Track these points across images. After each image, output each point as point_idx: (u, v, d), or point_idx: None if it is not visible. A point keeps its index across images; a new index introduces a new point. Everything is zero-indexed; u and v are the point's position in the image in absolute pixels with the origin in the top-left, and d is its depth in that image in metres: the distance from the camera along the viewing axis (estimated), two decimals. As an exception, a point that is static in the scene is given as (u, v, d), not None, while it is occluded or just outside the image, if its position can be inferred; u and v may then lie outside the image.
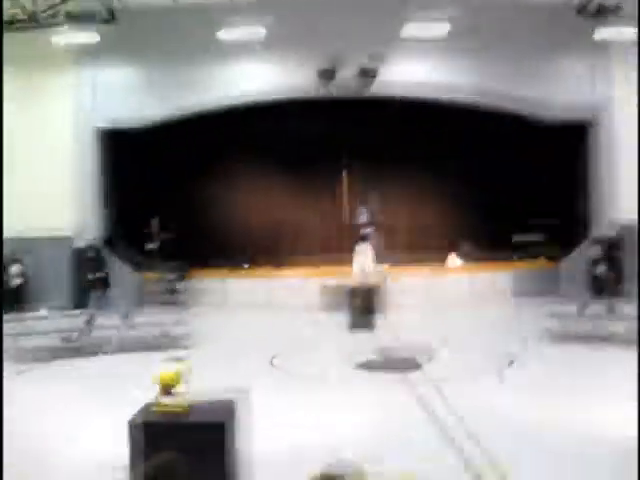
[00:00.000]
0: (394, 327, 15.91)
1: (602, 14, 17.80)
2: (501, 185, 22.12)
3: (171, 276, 19.86)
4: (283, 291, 19.84)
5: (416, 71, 20.07)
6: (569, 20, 18.77)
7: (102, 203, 19.94)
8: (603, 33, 18.84)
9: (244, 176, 22.61)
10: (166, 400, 6.21)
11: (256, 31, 18.26)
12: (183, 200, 21.72)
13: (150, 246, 20.81)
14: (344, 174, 22.73)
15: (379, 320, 16.03)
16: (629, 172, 19.97)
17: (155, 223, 20.79)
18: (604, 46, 19.81)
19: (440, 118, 21.11)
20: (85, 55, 19.03)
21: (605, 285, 18.98)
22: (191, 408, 6.21)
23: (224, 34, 18.26)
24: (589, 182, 20.91)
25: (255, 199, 22.65)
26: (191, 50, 19.31)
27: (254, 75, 19.83)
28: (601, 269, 19.46)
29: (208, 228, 21.81)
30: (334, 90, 19.50)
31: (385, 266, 20.03)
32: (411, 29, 18.65)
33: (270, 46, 18.95)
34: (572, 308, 14.71)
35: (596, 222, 20.64)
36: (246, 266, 21.15)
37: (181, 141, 20.96)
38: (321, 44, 19.13)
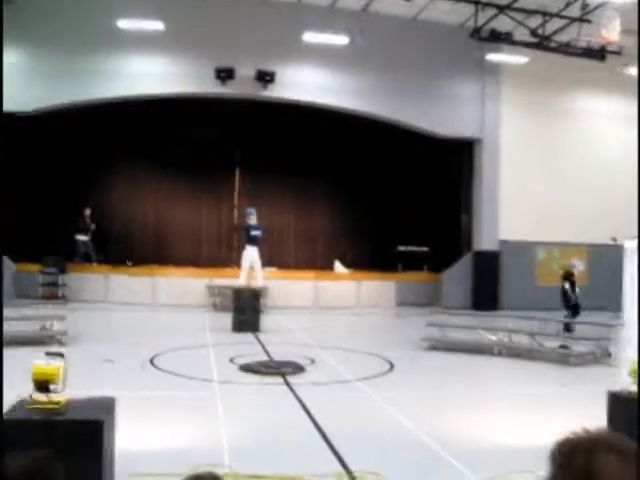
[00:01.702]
0: (279, 330, 15.96)
1: (494, 39, 18.52)
2: (389, 197, 22.67)
3: (50, 269, 19.15)
4: (167, 290, 19.54)
5: (312, 79, 20.26)
6: (463, 42, 19.45)
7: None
8: (494, 57, 19.65)
9: (132, 172, 22.14)
10: (41, 397, 5.99)
11: (155, 24, 17.97)
12: (68, 192, 21.01)
13: (81, 237, 20.12)
14: (237, 174, 22.62)
15: (264, 322, 16.03)
16: (510, 192, 20.91)
17: (88, 213, 20.15)
18: (494, 68, 20.65)
19: (334, 127, 21.42)
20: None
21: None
22: (67, 405, 6.02)
23: (122, 24, 17.86)
24: (473, 198, 21.69)
25: (143, 196, 22.21)
26: (88, 38, 18.71)
27: (150, 69, 19.44)
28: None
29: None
30: (232, 89, 19.40)
31: (272, 269, 20.10)
32: (310, 37, 18.83)
33: (169, 41, 18.67)
34: (451, 318, 15.23)
35: (478, 237, 21.43)
36: (129, 263, 20.69)
37: (69, 131, 20.27)
38: (221, 43, 19.02)
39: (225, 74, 19.16)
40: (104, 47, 18.74)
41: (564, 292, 15.51)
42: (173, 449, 7.29)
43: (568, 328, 14.66)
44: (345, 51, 19.32)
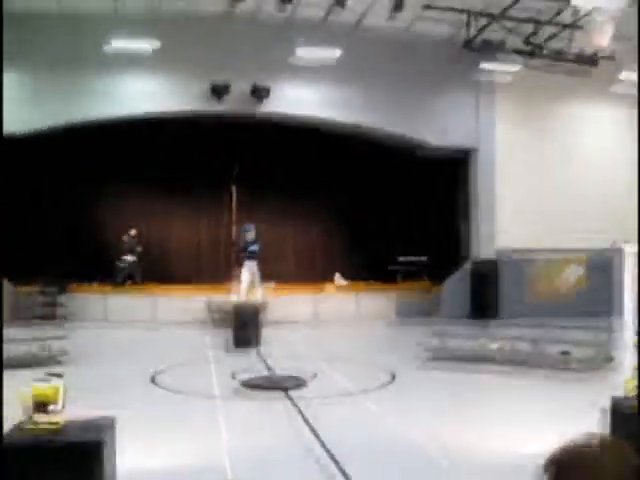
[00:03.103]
0: (280, 344, 15.92)
1: (487, 49, 18.60)
2: (386, 209, 22.69)
3: (49, 289, 19.09)
4: (168, 308, 19.50)
5: (307, 94, 20.31)
6: (455, 53, 19.52)
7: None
8: (487, 67, 19.72)
9: (129, 191, 22.12)
10: (40, 418, 5.95)
11: (146, 43, 18.00)
12: (64, 213, 20.99)
13: (128, 258, 20.42)
14: (233, 191, 22.60)
15: (264, 337, 15.99)
16: (506, 201, 20.95)
17: (133, 234, 20.49)
18: (488, 78, 20.73)
19: (328, 140, 21.45)
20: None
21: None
22: (67, 425, 5.98)
23: (113, 44, 17.88)
24: (470, 207, 21.71)
25: (140, 215, 22.17)
26: (79, 59, 18.73)
27: (144, 88, 19.44)
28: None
29: (90, 243, 21.20)
30: (227, 106, 19.43)
31: (272, 283, 20.06)
32: (303, 52, 18.91)
33: (163, 59, 18.70)
34: (451, 328, 15.20)
35: (475, 246, 21.42)
36: (129, 282, 20.66)
37: (66, 152, 20.23)
38: (215, 60, 19.06)
39: (221, 90, 19.18)
40: (97, 67, 18.73)
41: None
42: (176, 467, 7.25)
43: None
44: (338, 65, 19.36)
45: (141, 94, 19.28)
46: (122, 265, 20.54)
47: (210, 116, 19.93)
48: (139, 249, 20.76)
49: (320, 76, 20.05)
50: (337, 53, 18.88)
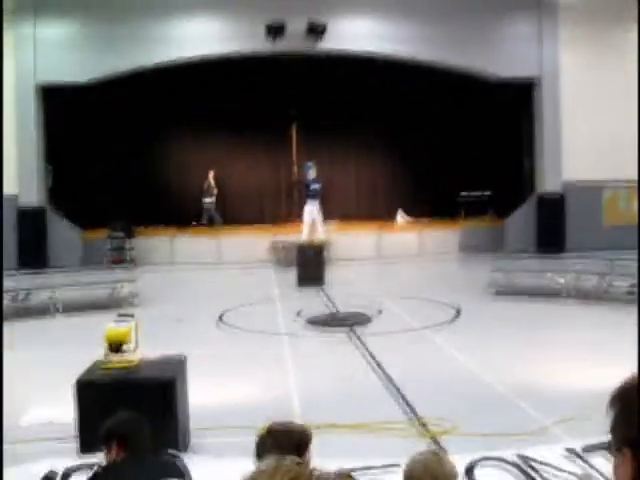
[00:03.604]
0: (344, 282, 16.05)
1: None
2: (449, 144, 22.33)
3: (117, 234, 19.57)
4: (233, 249, 19.78)
5: (363, 27, 19.92)
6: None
7: (45, 159, 19.44)
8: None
9: (193, 133, 22.30)
10: (115, 357, 6.20)
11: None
12: (130, 158, 21.32)
13: (207, 200, 20.94)
14: (293, 130, 22.57)
15: (328, 276, 16.13)
16: (572, 132, 20.33)
17: (212, 176, 21.02)
18: (551, 5, 19.97)
19: (388, 75, 21.08)
20: (23, 11, 18.38)
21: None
22: (141, 365, 6.21)
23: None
24: (535, 140, 21.19)
25: (204, 156, 22.36)
26: (135, 3, 18.80)
27: (201, 31, 19.40)
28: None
29: (156, 185, 21.58)
30: (283, 46, 19.25)
31: (334, 222, 20.14)
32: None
33: (216, 2, 18.60)
34: (516, 262, 15.07)
35: (541, 180, 20.98)
36: (194, 223, 21.02)
37: (127, 98, 20.44)
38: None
39: (276, 30, 18.99)
40: (152, 11, 18.79)
41: None
42: (245, 403, 7.47)
43: None
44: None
45: (197, 37, 19.24)
46: (206, 207, 21.13)
47: (267, 56, 19.80)
48: (215, 191, 21.17)
49: (376, 11, 19.62)
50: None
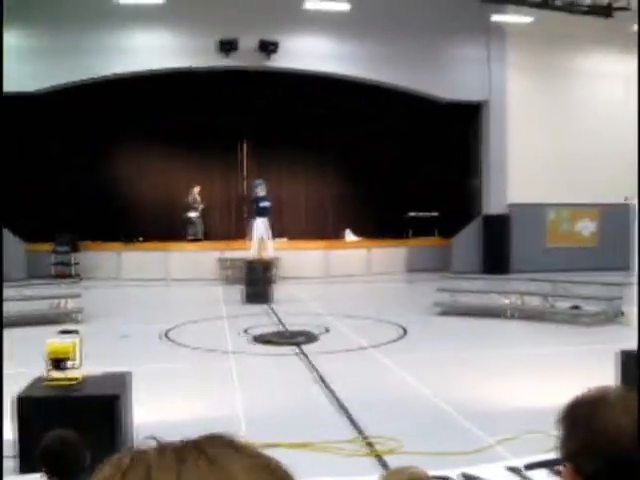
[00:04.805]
0: (291, 300, 16.03)
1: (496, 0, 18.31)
2: (397, 164, 22.57)
3: (62, 248, 19.22)
4: (180, 264, 19.62)
5: (314, 46, 20.10)
6: (466, 4, 19.22)
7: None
8: (498, 18, 19.42)
9: (143, 147, 22.09)
10: (57, 374, 6.06)
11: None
12: (78, 170, 20.97)
13: (192, 215, 20.82)
14: (244, 147, 22.57)
15: (276, 293, 16.10)
16: (518, 154, 20.79)
17: (197, 191, 20.85)
18: (499, 30, 20.43)
19: (338, 94, 21.25)
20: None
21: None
22: (84, 381, 6.09)
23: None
24: (481, 161, 21.59)
25: (151, 172, 22.17)
26: (87, 15, 18.59)
27: (154, 44, 19.31)
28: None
29: (104, 199, 21.23)
30: (235, 61, 19.30)
31: (283, 239, 20.15)
32: (312, 4, 18.69)
33: (170, 14, 18.54)
34: (462, 282, 15.28)
35: (487, 200, 21.36)
36: (141, 239, 20.77)
37: (77, 110, 20.15)
38: (223, 14, 18.86)
39: (229, 46, 19.03)
40: (104, 23, 18.61)
41: None
42: (191, 420, 7.38)
43: None
44: (347, 18, 19.13)
45: (149, 50, 19.17)
46: (192, 221, 21.23)
47: (219, 71, 19.81)
48: (201, 206, 21.25)
49: (327, 30, 19.86)
50: (346, 6, 18.65)
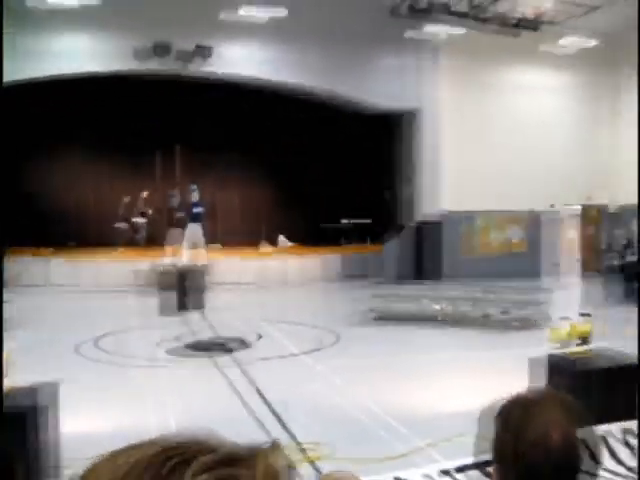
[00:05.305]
0: (224, 306, 15.89)
1: (429, 11, 18.58)
2: (331, 171, 22.68)
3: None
4: (111, 271, 19.23)
5: (245, 52, 20.12)
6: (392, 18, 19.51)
7: None
8: (430, 28, 19.73)
9: (67, 153, 21.60)
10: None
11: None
12: (2, 175, 20.32)
13: (140, 220, 20.64)
14: (177, 153, 22.30)
15: (209, 300, 15.93)
16: (450, 162, 21.15)
17: (144, 196, 20.80)
18: (431, 41, 20.76)
19: (269, 101, 21.27)
20: None
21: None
22: (7, 393, 5.89)
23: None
24: (414, 169, 21.86)
25: (81, 177, 21.71)
26: (16, 16, 18.04)
27: (82, 47, 18.92)
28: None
29: (32, 204, 20.67)
30: (168, 65, 19.09)
31: (216, 246, 19.98)
32: (247, 10, 18.68)
33: (104, 17, 18.21)
34: (395, 289, 15.43)
35: (419, 208, 21.64)
36: (72, 244, 20.28)
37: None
38: (158, 18, 18.61)
39: (162, 50, 18.81)
40: (34, 25, 18.09)
41: None
42: (117, 431, 7.21)
43: None
44: (278, 25, 19.16)
45: (82, 53, 18.79)
46: (138, 226, 21.09)
47: (151, 76, 19.56)
48: (150, 211, 21.17)
49: (259, 36, 19.83)
50: (283, 12, 18.69)
